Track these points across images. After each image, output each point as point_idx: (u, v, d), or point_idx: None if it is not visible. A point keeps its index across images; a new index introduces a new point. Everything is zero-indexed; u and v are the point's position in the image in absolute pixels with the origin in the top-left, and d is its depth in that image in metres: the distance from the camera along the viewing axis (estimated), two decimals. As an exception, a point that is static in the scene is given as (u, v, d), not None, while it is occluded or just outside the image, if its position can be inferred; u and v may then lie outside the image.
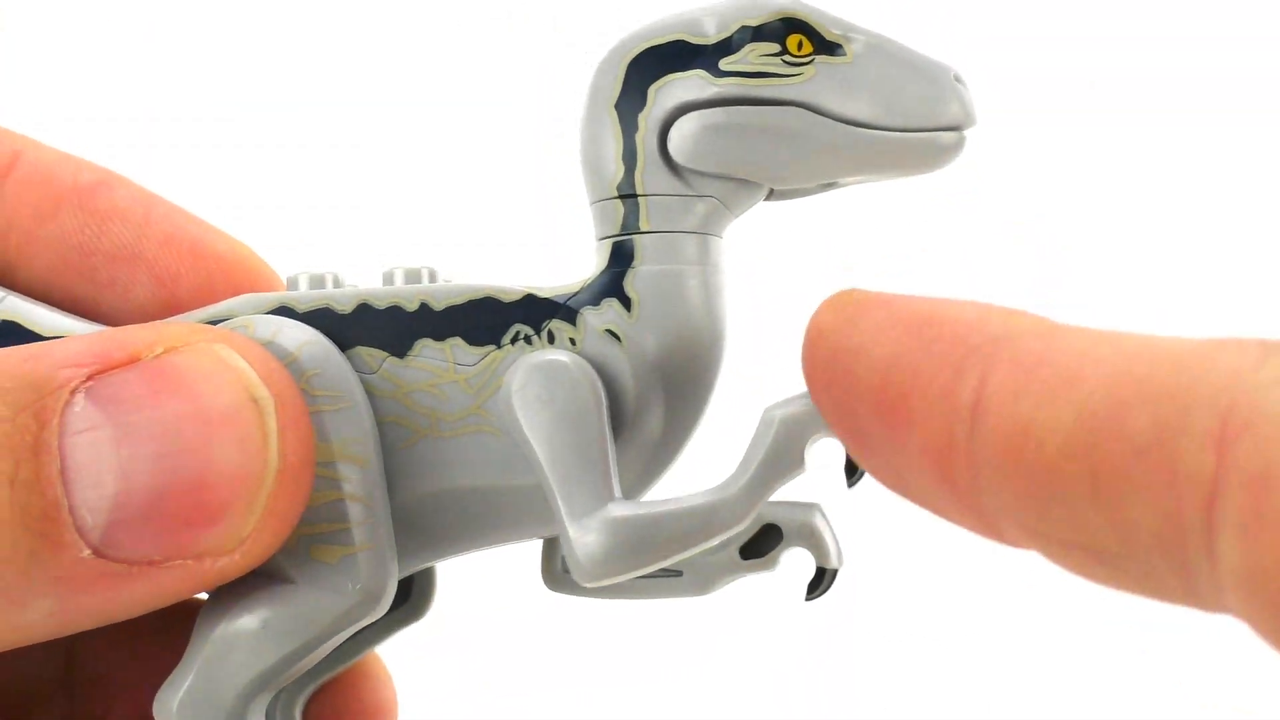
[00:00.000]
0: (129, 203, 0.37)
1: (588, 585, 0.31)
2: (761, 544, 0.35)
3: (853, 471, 0.31)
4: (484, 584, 0.43)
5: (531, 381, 0.32)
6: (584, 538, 0.31)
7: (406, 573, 0.34)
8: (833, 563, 0.34)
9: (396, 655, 0.39)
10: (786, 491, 0.31)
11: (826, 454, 0.31)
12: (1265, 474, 0.21)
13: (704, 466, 0.34)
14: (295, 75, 0.76)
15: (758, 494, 0.31)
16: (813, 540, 0.34)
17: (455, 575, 0.38)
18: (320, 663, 0.36)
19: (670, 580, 0.35)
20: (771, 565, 0.35)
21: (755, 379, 0.38)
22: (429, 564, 0.34)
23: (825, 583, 0.34)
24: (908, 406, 0.26)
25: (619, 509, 0.31)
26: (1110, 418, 0.23)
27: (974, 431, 0.25)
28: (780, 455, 0.30)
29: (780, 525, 0.35)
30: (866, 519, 0.41)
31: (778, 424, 0.30)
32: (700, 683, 0.62)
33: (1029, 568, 0.29)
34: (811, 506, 0.35)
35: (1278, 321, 0.74)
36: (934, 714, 0.70)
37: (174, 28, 0.76)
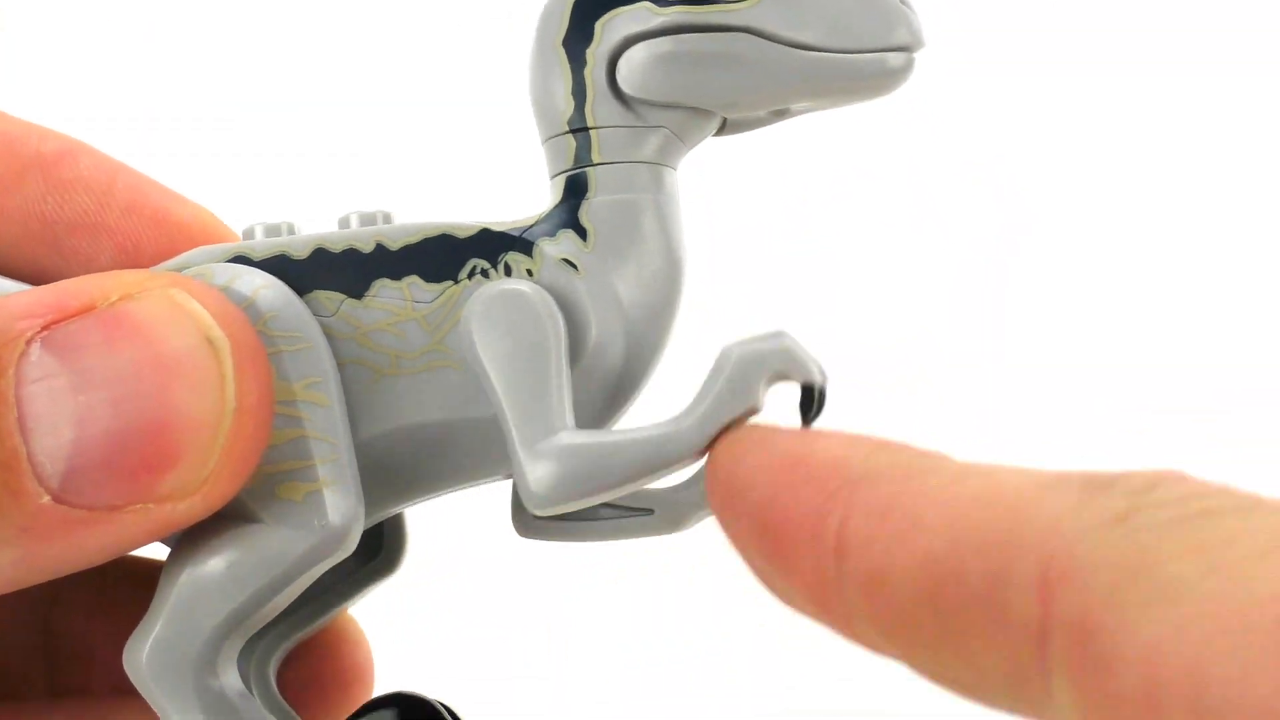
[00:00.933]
0: (93, 172, 0.37)
1: (540, 514, 0.31)
2: None
3: (807, 410, 0.31)
4: (456, 539, 0.43)
5: (490, 310, 0.32)
6: (535, 465, 0.31)
7: (375, 517, 0.34)
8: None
9: (371, 616, 0.39)
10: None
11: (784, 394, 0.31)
12: (1084, 623, 0.22)
13: (666, 400, 0.33)
14: (291, 82, 0.77)
15: (710, 428, 0.30)
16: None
17: (426, 528, 0.38)
18: (293, 618, 0.36)
19: (642, 519, 0.35)
20: None
21: (716, 312, 0.37)
22: (397, 507, 0.34)
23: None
24: (783, 546, 0.27)
25: (571, 437, 0.31)
26: (949, 565, 0.24)
27: (840, 574, 0.25)
28: (735, 392, 0.30)
29: None
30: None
31: (734, 361, 0.30)
32: (681, 638, 0.62)
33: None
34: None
35: (1226, 259, 0.74)
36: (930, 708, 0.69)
37: (169, 31, 0.77)
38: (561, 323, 0.32)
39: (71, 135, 0.38)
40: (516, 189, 0.38)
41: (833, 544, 0.26)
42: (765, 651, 0.64)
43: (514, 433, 0.31)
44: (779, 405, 0.34)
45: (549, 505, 0.31)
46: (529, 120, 0.35)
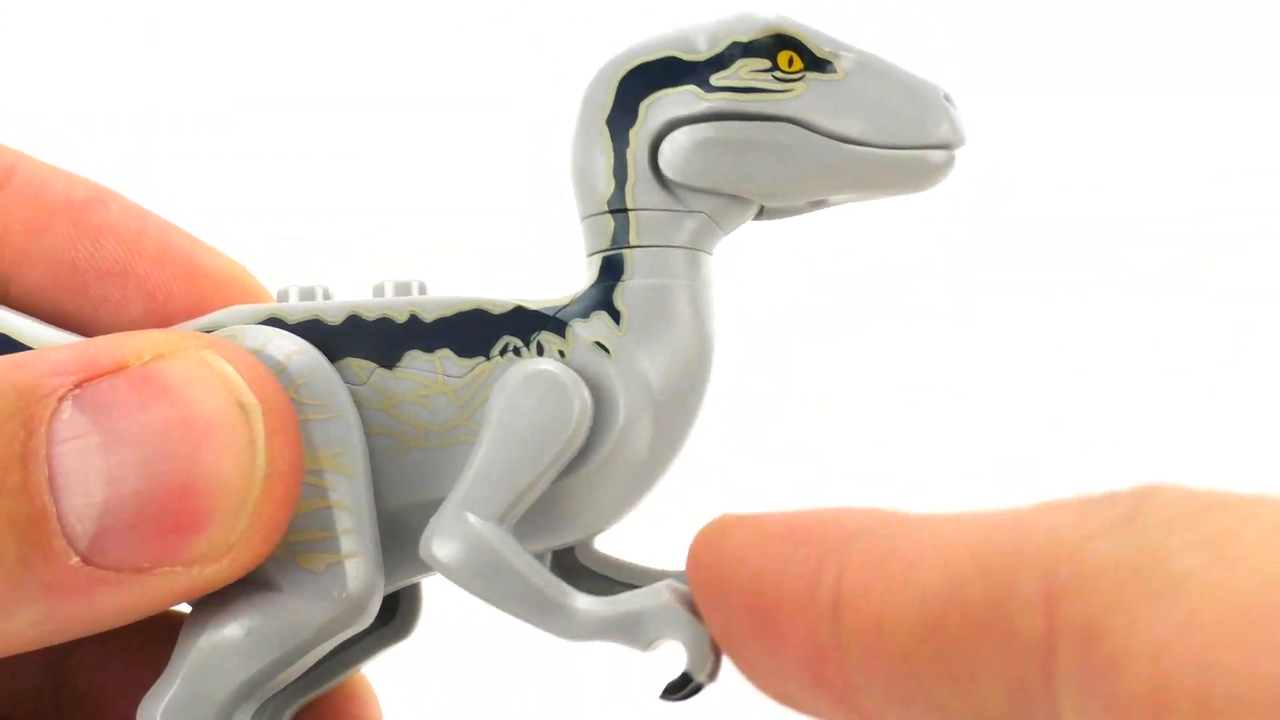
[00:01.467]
0: (122, 219, 0.37)
1: (425, 557, 0.32)
2: None
3: (676, 690, 0.31)
4: (470, 604, 0.43)
5: (518, 388, 0.32)
6: (452, 527, 0.31)
7: (393, 586, 0.34)
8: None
9: (382, 676, 0.39)
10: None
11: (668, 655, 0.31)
12: (1089, 628, 0.22)
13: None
14: (291, 82, 0.76)
15: (594, 633, 0.31)
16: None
17: (441, 595, 0.38)
18: (304, 679, 0.36)
19: None
20: None
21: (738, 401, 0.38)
22: (416, 578, 0.34)
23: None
24: (776, 617, 0.27)
25: (495, 535, 0.31)
26: (949, 596, 0.24)
27: (837, 629, 0.26)
28: (636, 626, 0.31)
29: None
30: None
31: (662, 603, 0.31)
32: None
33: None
34: None
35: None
36: None
37: (169, 31, 0.77)
38: (590, 405, 0.32)
39: (101, 183, 0.38)
40: (514, 198, 0.38)
41: (829, 600, 0.26)
42: None
43: (463, 486, 0.32)
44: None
45: (432, 563, 0.32)
46: (528, 124, 0.35)
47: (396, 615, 0.37)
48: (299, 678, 0.36)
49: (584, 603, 0.31)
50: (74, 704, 0.39)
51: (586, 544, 0.36)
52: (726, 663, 0.30)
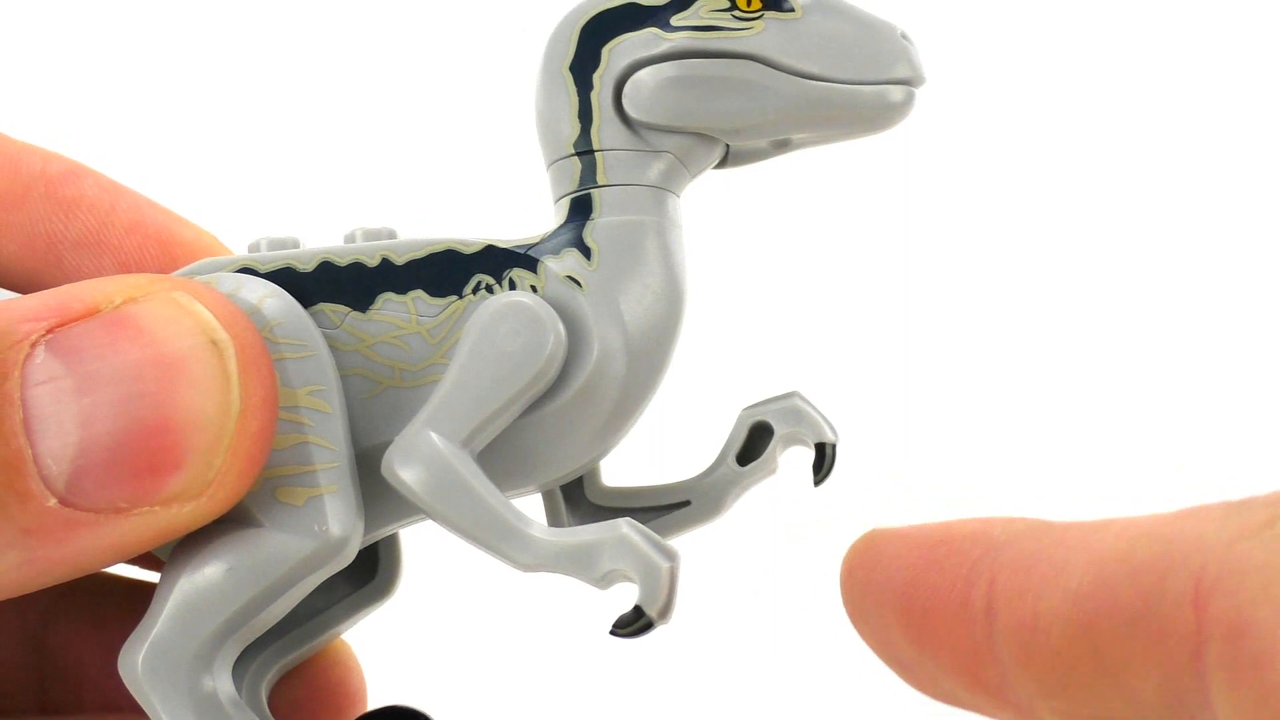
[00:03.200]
0: (95, 192, 0.37)
1: (385, 474, 0.32)
2: (755, 447, 0.36)
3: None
4: (452, 566, 0.43)
5: (492, 318, 0.32)
6: (414, 445, 0.32)
7: (375, 533, 0.34)
8: (829, 436, 0.35)
9: (365, 641, 0.39)
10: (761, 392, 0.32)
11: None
12: (1238, 623, 0.23)
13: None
14: (251, 38, 0.77)
15: (551, 562, 0.31)
16: (803, 423, 0.35)
17: (422, 554, 0.38)
18: (286, 640, 0.36)
19: (681, 513, 0.36)
20: (771, 466, 0.36)
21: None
22: (396, 522, 0.34)
23: (828, 459, 0.35)
24: (931, 623, 0.28)
25: (457, 457, 0.32)
26: (1101, 597, 0.25)
27: (991, 631, 0.27)
28: (590, 557, 0.31)
29: (767, 420, 0.35)
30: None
31: (618, 535, 0.31)
32: (682, 665, 0.62)
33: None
34: (790, 394, 0.35)
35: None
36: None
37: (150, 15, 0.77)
38: (563, 334, 0.32)
39: (74, 158, 0.38)
40: (519, 202, 0.39)
41: (983, 605, 0.27)
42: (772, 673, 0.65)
43: (430, 407, 0.32)
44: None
45: (393, 479, 0.32)
46: (490, 72, 0.35)
47: (376, 574, 0.37)
48: (280, 638, 0.36)
49: (541, 531, 0.31)
50: (55, 675, 0.39)
51: (596, 482, 0.36)
52: (684, 603, 0.31)
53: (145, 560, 0.39)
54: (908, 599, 0.29)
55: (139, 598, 0.35)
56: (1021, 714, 0.28)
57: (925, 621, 0.28)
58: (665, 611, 0.31)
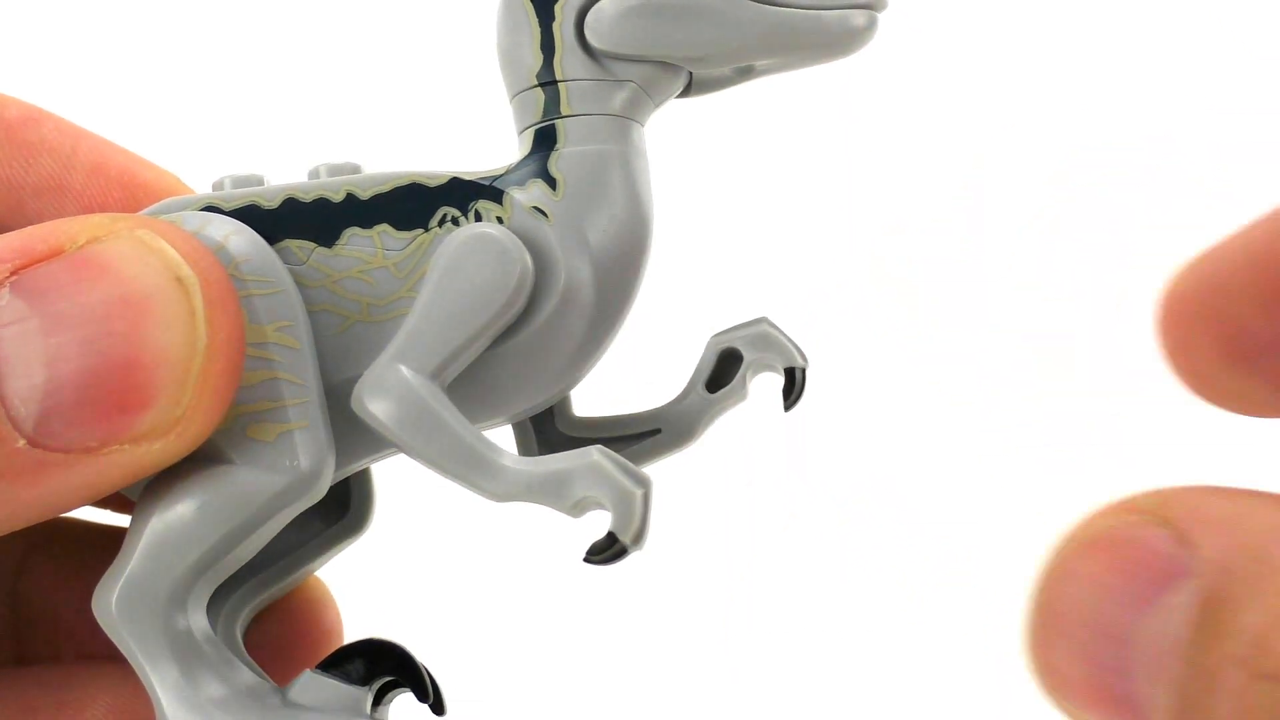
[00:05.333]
0: (55, 136, 0.37)
1: (355, 408, 0.32)
2: (724, 373, 0.36)
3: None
4: (425, 501, 0.43)
5: (459, 250, 0.32)
6: (381, 379, 0.32)
7: (347, 468, 0.34)
8: (798, 361, 0.35)
9: (339, 578, 0.39)
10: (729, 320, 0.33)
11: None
12: None
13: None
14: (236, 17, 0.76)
15: (523, 491, 0.31)
16: (771, 348, 0.35)
17: (394, 489, 0.38)
18: (260, 577, 0.36)
19: (652, 440, 0.36)
20: (742, 392, 0.36)
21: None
22: (368, 457, 0.34)
23: (798, 384, 0.35)
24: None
25: (426, 389, 0.32)
26: None
27: None
28: (562, 484, 0.31)
29: (736, 346, 0.35)
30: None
31: (590, 462, 0.31)
32: (657, 600, 0.62)
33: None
34: (759, 320, 0.35)
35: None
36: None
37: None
38: (531, 268, 0.32)
39: (32, 102, 0.38)
40: (483, 135, 0.39)
41: None
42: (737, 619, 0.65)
43: (398, 341, 0.32)
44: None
45: (363, 413, 0.32)
46: (495, 70, 0.35)
47: (349, 511, 0.37)
48: (254, 575, 0.36)
49: (512, 461, 0.31)
50: (30, 625, 0.39)
51: (567, 413, 0.36)
52: (657, 530, 0.31)
53: (116, 504, 0.39)
54: (1237, 329, 0.29)
55: (112, 544, 0.35)
56: None
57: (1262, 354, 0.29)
58: (638, 537, 0.31)
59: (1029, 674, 0.28)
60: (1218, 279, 0.30)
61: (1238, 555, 0.25)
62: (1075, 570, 0.27)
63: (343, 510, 0.37)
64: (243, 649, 0.35)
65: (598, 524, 0.31)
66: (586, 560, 0.31)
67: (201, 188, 0.35)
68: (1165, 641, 0.26)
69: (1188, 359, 0.30)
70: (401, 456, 0.34)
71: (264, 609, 0.37)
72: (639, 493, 0.31)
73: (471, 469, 0.31)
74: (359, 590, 0.41)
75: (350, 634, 0.39)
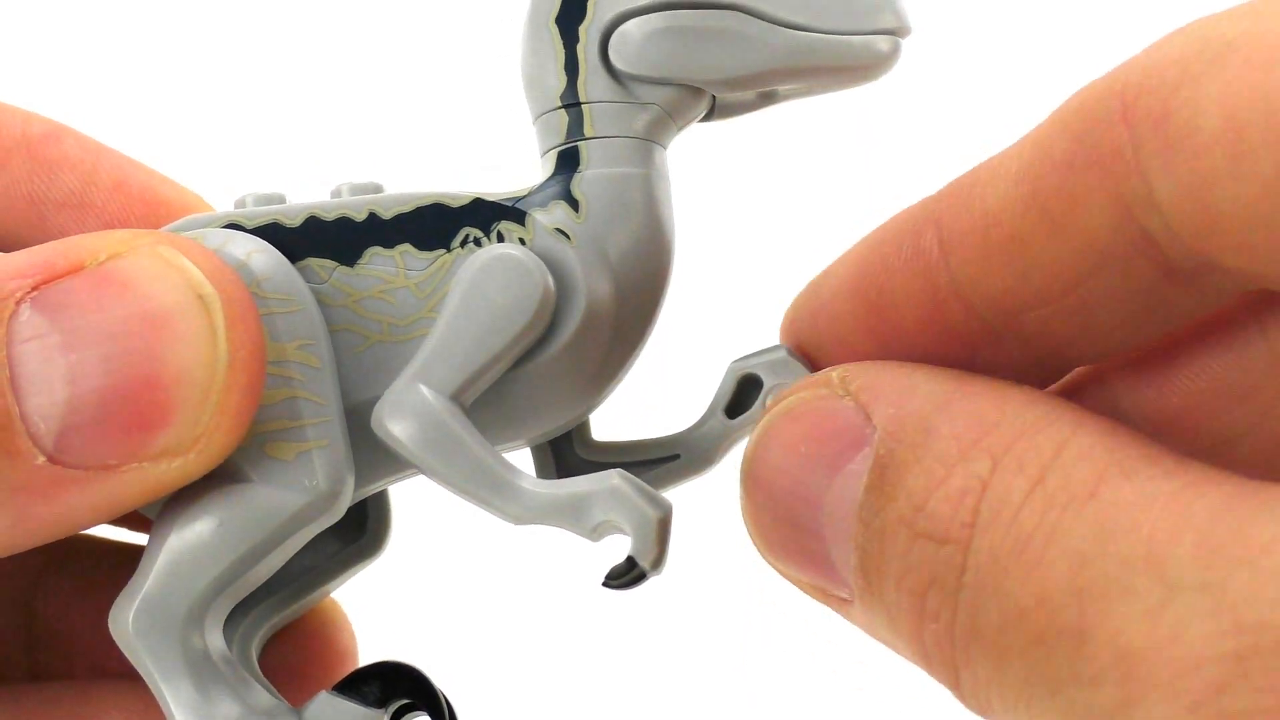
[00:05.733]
0: (78, 152, 0.37)
1: (375, 427, 0.32)
2: (744, 399, 0.35)
3: (620, 575, 0.31)
4: (443, 523, 0.43)
5: (481, 270, 0.32)
6: (402, 400, 0.32)
7: (365, 489, 0.34)
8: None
9: (356, 601, 0.39)
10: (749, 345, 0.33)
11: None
12: (1162, 111, 0.25)
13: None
14: (237, 6, 0.76)
15: (543, 514, 0.31)
16: (791, 374, 0.35)
17: (412, 511, 0.38)
18: (276, 598, 0.36)
19: (669, 466, 0.36)
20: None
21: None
22: (387, 478, 0.34)
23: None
24: (888, 295, 0.31)
25: (448, 411, 0.32)
26: (1039, 161, 0.28)
27: (949, 267, 0.29)
28: (582, 507, 0.31)
29: (756, 372, 0.35)
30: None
31: (610, 486, 0.31)
32: (673, 625, 0.62)
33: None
34: (778, 346, 0.35)
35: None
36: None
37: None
38: (553, 289, 0.32)
39: (55, 118, 0.38)
40: (506, 157, 0.38)
41: (934, 244, 0.30)
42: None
43: (419, 361, 0.32)
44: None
45: (383, 434, 0.32)
46: (519, 92, 0.35)
47: (366, 532, 0.37)
48: (270, 596, 0.36)
49: (532, 483, 0.31)
50: (45, 642, 0.39)
51: (586, 437, 0.36)
52: (679, 556, 0.31)
53: (134, 523, 0.39)
54: (860, 283, 0.31)
55: (128, 561, 0.35)
56: (989, 333, 0.29)
57: (881, 296, 0.30)
58: (658, 562, 0.31)
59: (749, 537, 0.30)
60: (821, 300, 0.32)
61: (905, 424, 0.28)
62: (775, 439, 0.30)
63: (359, 532, 0.37)
64: (258, 670, 0.35)
65: (617, 548, 0.31)
66: (605, 585, 0.31)
67: (223, 206, 0.35)
68: (848, 504, 0.28)
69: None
70: (419, 478, 0.34)
71: (279, 630, 0.37)
72: (658, 517, 0.31)
73: (491, 490, 0.31)
74: (375, 612, 0.41)
75: (365, 656, 0.39)
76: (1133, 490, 0.25)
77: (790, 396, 0.30)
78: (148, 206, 0.37)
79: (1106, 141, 0.26)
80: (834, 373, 0.30)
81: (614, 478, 0.31)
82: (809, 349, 0.33)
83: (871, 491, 0.27)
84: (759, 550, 0.31)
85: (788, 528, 0.30)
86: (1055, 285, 0.28)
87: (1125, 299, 0.28)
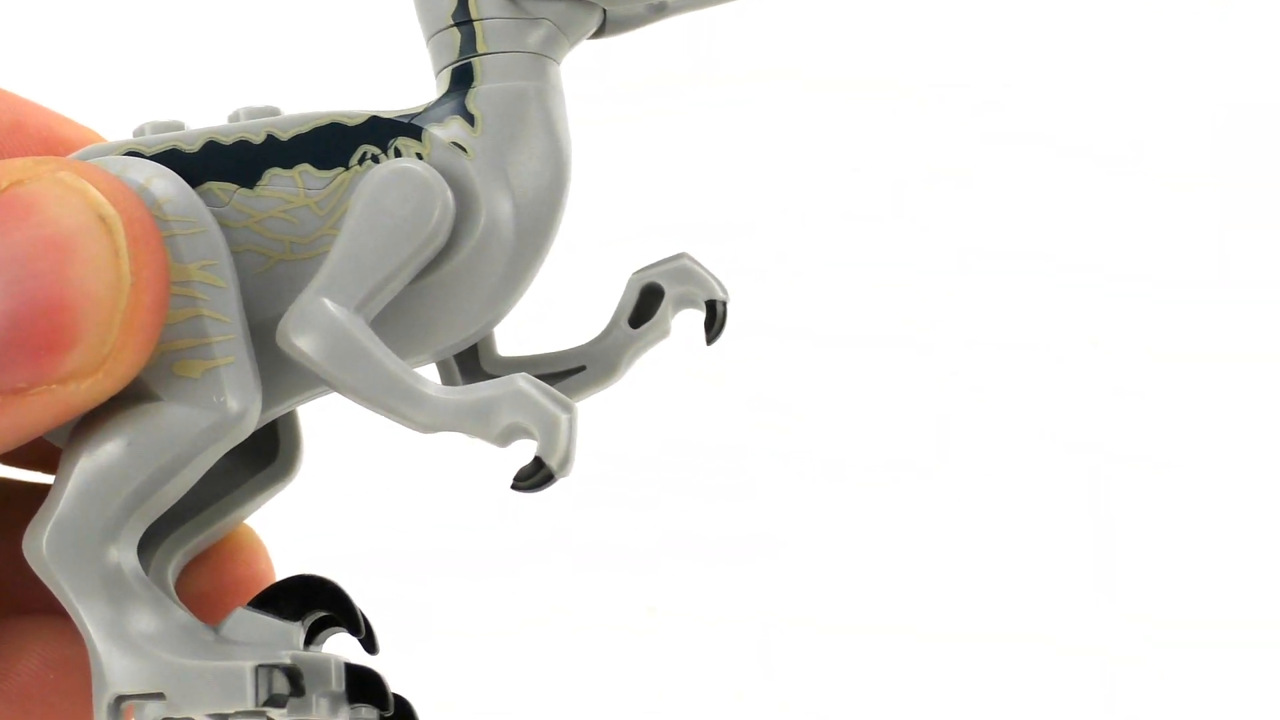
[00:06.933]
0: None
1: (280, 341, 0.32)
2: (646, 309, 0.36)
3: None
4: (351, 442, 0.43)
5: (379, 186, 0.33)
6: (306, 313, 0.32)
7: (274, 409, 0.34)
8: (719, 294, 0.36)
9: (272, 526, 0.39)
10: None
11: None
12: None
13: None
14: None
15: (449, 419, 0.32)
16: (692, 282, 0.35)
17: (322, 432, 0.38)
18: (189, 523, 0.36)
19: (577, 378, 0.36)
20: (664, 327, 0.36)
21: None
22: (296, 397, 0.34)
23: (720, 317, 0.36)
24: None
25: (351, 322, 0.32)
26: None
27: None
28: (488, 411, 0.31)
29: (657, 281, 0.36)
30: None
31: (515, 389, 0.31)
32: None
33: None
34: (679, 255, 0.36)
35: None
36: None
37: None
38: (452, 202, 0.33)
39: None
40: (400, 78, 0.39)
41: None
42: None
43: (322, 275, 0.32)
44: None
45: (286, 348, 0.32)
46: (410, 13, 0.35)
47: (278, 456, 0.37)
48: (183, 521, 0.36)
49: (438, 390, 0.32)
50: None
51: (491, 352, 0.37)
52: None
53: (40, 465, 0.39)
54: None
55: (37, 497, 0.35)
56: None
57: None
58: (565, 462, 0.31)
59: None
60: None
61: None
62: None
63: (271, 456, 0.37)
64: (174, 594, 0.36)
65: (524, 453, 0.31)
66: (514, 487, 0.31)
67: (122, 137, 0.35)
68: None
69: None
70: (329, 401, 0.34)
71: (194, 557, 0.37)
72: (565, 417, 0.31)
73: (398, 399, 0.32)
74: (290, 536, 0.41)
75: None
76: None
77: None
78: (46, 146, 0.37)
79: None
80: None
81: (519, 380, 0.31)
82: None
83: None
84: None
85: None
86: None
87: None
